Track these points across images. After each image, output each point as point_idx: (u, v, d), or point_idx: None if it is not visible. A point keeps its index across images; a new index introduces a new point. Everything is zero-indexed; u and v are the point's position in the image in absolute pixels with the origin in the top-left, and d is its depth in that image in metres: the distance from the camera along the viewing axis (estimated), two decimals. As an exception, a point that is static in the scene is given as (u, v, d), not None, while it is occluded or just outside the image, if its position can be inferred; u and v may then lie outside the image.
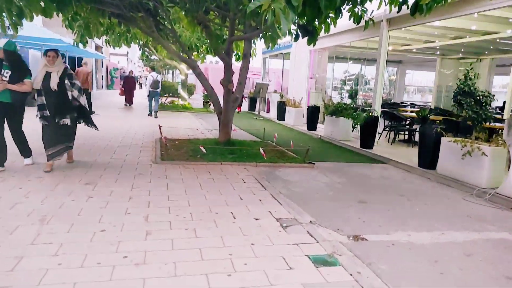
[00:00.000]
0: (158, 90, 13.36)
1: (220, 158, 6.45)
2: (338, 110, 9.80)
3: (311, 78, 14.08)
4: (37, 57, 19.55)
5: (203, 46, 15.13)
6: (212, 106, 17.56)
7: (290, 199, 4.59)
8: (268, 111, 17.60)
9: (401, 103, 17.85)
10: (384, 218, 4.20)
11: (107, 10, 6.55)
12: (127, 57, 55.08)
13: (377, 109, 8.98)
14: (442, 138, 6.15)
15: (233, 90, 7.19)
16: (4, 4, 5.72)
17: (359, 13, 6.89)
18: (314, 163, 6.62)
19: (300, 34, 7.56)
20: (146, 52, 19.30)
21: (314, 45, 7.49)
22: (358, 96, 19.85)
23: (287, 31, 8.38)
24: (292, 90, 15.10)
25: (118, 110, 14.50)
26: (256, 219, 3.79)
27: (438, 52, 15.16)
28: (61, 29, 10.55)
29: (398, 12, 6.92)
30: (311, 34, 7.42)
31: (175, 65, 18.31)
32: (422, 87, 30.54)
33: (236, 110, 19.07)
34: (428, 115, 6.58)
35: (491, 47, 12.65)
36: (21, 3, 5.88)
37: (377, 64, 9.13)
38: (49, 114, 5.03)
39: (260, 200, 4.40)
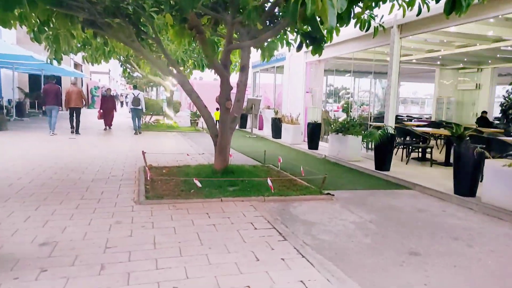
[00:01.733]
0: (140, 107, 13.28)
1: (219, 192, 5.26)
2: (345, 128, 8.76)
3: (307, 92, 13.10)
4: (9, 76, 18.16)
5: (190, 60, 14.06)
6: (200, 125, 16.41)
7: (321, 253, 3.42)
8: (261, 128, 16.53)
9: (397, 116, 17.05)
10: (456, 281, 3.07)
11: (76, 16, 5.39)
12: (109, 75, 53.55)
13: (391, 125, 7.96)
14: (486, 160, 5.14)
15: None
16: None
17: (366, 19, 5.99)
18: (333, 195, 5.49)
19: (304, 43, 6.59)
20: (128, 69, 18.11)
21: (320, 55, 6.48)
22: (351, 110, 19.09)
23: (284, 42, 7.36)
24: (287, 105, 14.09)
25: (97, 133, 13.15)
26: (287, 298, 2.61)
27: (438, 62, 14.44)
28: (38, 47, 9.02)
29: (417, 15, 5.97)
30: (317, 42, 6.43)
31: (159, 81, 17.13)
32: (412, 99, 30.09)
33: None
34: (465, 132, 5.56)
35: (498, 55, 11.94)
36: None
37: (388, 76, 8.17)
38: None
39: (283, 260, 3.21)
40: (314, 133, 10.66)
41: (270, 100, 19.12)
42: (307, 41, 6.46)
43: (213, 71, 14.50)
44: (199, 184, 5.09)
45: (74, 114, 12.13)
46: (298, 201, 5.20)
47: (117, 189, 5.41)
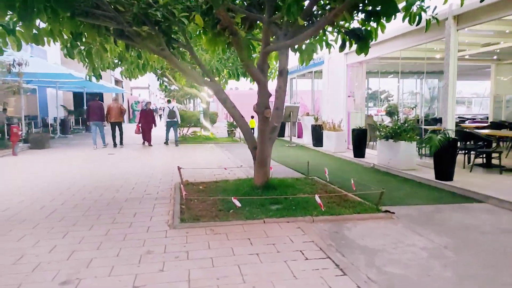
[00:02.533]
0: (175, 119, 13.46)
1: (261, 212, 4.69)
2: (396, 133, 7.91)
3: (349, 96, 12.30)
4: (53, 94, 18.79)
5: (225, 70, 13.73)
6: (237, 135, 16.03)
7: (393, 294, 2.74)
8: (300, 136, 15.85)
9: None
10: None
11: (103, 26, 5.11)
12: (149, 90, 55.16)
13: (450, 128, 7.04)
14: None
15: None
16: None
17: (415, 11, 5.26)
18: (393, 212, 4.74)
19: (348, 42, 5.94)
20: (165, 82, 18.17)
21: (366, 54, 5.81)
22: (397, 114, 17.97)
23: (324, 44, 6.71)
24: (328, 111, 13.33)
25: (135, 148, 13.08)
26: None
27: (495, 57, 13.11)
28: (81, 66, 8.79)
29: (482, 1, 5.19)
30: (363, 40, 5.75)
31: (195, 93, 17.00)
32: (466, 98, 27.84)
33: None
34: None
35: None
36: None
37: (445, 73, 7.26)
38: None
39: (346, 304, 2.56)
40: (360, 140, 9.85)
41: (307, 107, 18.44)
42: (351, 40, 5.82)
43: (249, 79, 14.15)
44: (238, 204, 4.54)
45: (116, 129, 12.80)
46: (352, 221, 4.51)
47: (151, 210, 5.00)
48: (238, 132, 16.09)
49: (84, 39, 5.85)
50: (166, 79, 17.03)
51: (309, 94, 18.34)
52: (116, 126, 12.81)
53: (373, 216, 4.65)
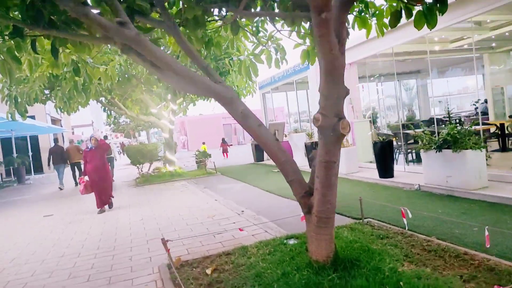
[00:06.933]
0: (112, 155, 13.51)
1: None
2: (456, 139, 5.76)
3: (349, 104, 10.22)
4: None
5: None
6: (211, 165, 13.14)
7: None
8: (285, 159, 13.46)
9: (440, 118, 14.04)
10: None
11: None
12: (93, 127, 50.11)
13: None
14: None
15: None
16: None
17: None
18: None
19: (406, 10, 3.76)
20: (113, 112, 15.07)
21: (434, 26, 3.60)
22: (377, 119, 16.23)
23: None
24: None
25: (84, 204, 9.85)
26: None
27: (494, 44, 11.78)
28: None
29: None
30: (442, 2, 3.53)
31: (154, 122, 14.09)
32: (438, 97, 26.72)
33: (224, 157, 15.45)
34: None
35: None
36: None
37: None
38: None
39: None
40: (385, 156, 7.63)
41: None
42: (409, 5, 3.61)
43: (212, 100, 11.51)
44: None
45: (76, 169, 13.10)
46: None
47: None
48: (213, 162, 13.38)
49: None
50: (114, 108, 13.92)
51: (282, 110, 16.08)
52: (75, 167, 13.08)
53: None
